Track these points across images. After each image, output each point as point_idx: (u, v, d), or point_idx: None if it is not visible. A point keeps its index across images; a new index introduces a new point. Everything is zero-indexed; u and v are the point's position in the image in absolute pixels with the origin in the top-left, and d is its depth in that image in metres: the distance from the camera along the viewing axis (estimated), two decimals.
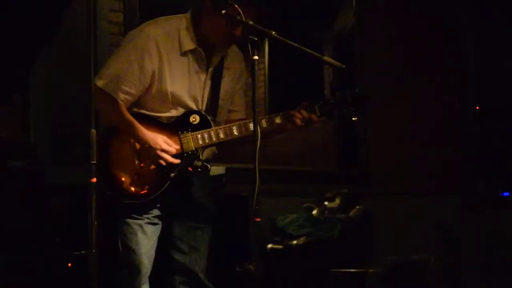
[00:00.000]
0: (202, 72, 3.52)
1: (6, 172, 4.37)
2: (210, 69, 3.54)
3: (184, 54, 3.48)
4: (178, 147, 3.45)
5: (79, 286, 3.74)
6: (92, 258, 2.91)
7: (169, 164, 3.41)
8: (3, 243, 4.10)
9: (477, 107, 6.15)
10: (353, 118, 3.61)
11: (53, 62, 4.92)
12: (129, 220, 3.48)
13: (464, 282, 5.75)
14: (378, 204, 5.76)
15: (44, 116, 4.93)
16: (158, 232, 3.55)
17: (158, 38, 3.44)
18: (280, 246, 5.26)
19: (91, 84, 3.12)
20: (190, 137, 3.47)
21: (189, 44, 3.47)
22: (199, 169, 3.50)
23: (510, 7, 5.90)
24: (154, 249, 3.54)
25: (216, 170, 4.28)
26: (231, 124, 3.51)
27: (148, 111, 3.49)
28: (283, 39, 3.16)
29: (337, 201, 5.64)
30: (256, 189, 2.99)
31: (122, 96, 3.42)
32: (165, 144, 3.41)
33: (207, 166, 3.52)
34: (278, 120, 3.53)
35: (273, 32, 3.12)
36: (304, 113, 3.53)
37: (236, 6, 3.22)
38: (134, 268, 3.46)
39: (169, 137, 3.45)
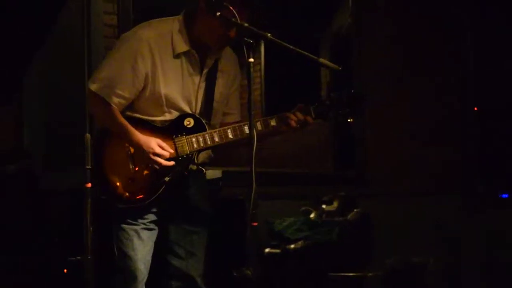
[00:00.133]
0: (195, 74, 3.50)
1: None
2: (204, 71, 3.51)
3: (177, 56, 3.45)
4: (172, 150, 3.42)
5: None
6: (88, 264, 2.88)
7: (163, 167, 3.39)
8: None
9: (476, 108, 6.13)
10: (349, 120, 3.58)
11: (47, 65, 4.91)
12: (124, 226, 3.46)
13: (464, 283, 5.74)
14: (376, 206, 5.74)
15: (38, 120, 4.92)
16: (154, 238, 3.53)
17: (150, 41, 3.41)
18: (277, 250, 5.23)
19: (85, 88, 3.09)
20: (185, 140, 3.44)
21: (182, 46, 3.45)
22: (194, 173, 3.48)
23: (510, 7, 5.89)
24: (151, 254, 3.51)
25: (212, 173, 4.26)
26: (226, 127, 3.48)
27: (142, 115, 3.47)
28: (279, 41, 3.14)
29: (335, 204, 5.62)
30: (253, 193, 2.97)
31: (115, 99, 3.39)
32: (158, 148, 3.38)
33: (203, 170, 3.50)
34: (273, 123, 3.51)
35: (269, 34, 3.10)
36: (299, 115, 3.50)
37: (231, 8, 3.19)
38: (130, 274, 3.43)
39: (163, 141, 3.42)
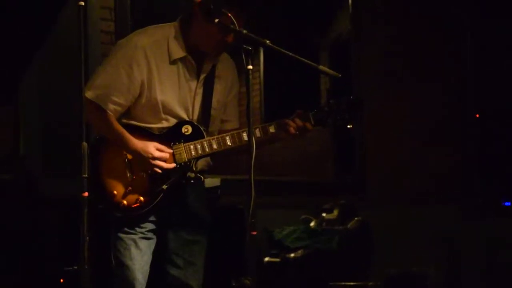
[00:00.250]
0: (192, 81, 3.47)
1: None
2: (201, 78, 3.49)
3: (173, 62, 3.43)
4: (170, 150, 3.40)
5: None
6: (84, 273, 2.83)
7: (164, 170, 3.36)
8: None
9: (477, 115, 6.12)
10: (348, 126, 3.56)
11: (43, 72, 4.89)
12: (122, 235, 3.42)
13: None
14: (376, 213, 5.72)
15: (34, 128, 4.89)
16: (152, 247, 3.49)
17: (146, 47, 3.39)
18: (277, 259, 5.21)
19: (82, 95, 3.05)
20: (183, 148, 3.42)
21: (178, 52, 3.42)
22: (193, 181, 3.45)
23: (510, 7, 5.87)
24: (149, 264, 3.48)
25: (211, 182, 4.24)
26: (224, 134, 3.46)
27: (139, 122, 3.45)
28: (278, 48, 3.11)
29: (335, 212, 5.60)
30: (252, 202, 2.94)
31: (111, 106, 3.37)
32: (157, 152, 3.36)
33: (201, 177, 3.47)
34: (272, 129, 3.48)
35: (267, 41, 3.07)
36: (298, 121, 3.47)
37: (230, 15, 3.16)
38: (127, 284, 3.40)
39: None
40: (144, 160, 3.35)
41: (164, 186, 3.38)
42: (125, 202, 3.38)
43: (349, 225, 5.51)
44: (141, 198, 3.39)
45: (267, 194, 4.33)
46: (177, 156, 3.40)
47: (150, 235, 3.46)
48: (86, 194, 2.83)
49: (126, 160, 3.40)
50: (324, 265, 5.22)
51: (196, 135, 3.43)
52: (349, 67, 6.57)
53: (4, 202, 4.31)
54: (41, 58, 4.82)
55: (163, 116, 3.43)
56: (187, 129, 3.43)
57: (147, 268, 3.46)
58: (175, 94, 3.43)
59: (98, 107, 3.35)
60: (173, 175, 3.39)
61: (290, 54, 3.16)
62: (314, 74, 7.05)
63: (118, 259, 3.42)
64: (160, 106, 3.40)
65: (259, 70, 7.24)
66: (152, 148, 3.36)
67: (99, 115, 3.36)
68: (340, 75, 3.29)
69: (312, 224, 5.58)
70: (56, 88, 4.78)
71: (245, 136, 3.40)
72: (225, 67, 3.60)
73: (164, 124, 3.44)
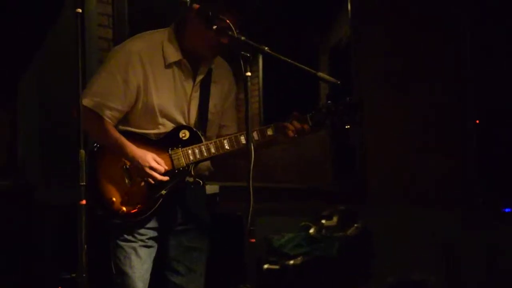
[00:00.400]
0: (188, 84, 3.47)
1: None
2: (197, 81, 3.49)
3: (168, 66, 3.44)
4: (167, 167, 3.39)
5: None
6: (82, 282, 2.82)
7: (158, 182, 3.35)
8: None
9: (477, 121, 6.10)
10: (346, 127, 3.54)
11: (42, 79, 4.89)
12: (122, 243, 3.42)
13: None
14: (376, 219, 5.70)
15: (32, 135, 4.89)
16: (153, 255, 3.49)
17: (141, 52, 3.40)
18: (276, 266, 5.19)
19: (80, 103, 3.04)
20: (181, 153, 3.41)
21: (173, 56, 3.43)
22: (192, 186, 3.45)
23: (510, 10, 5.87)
24: (149, 272, 3.47)
25: (210, 189, 4.23)
26: (222, 138, 3.46)
27: (136, 128, 3.45)
28: (277, 54, 3.10)
29: (335, 219, 5.58)
30: (251, 209, 2.93)
31: (108, 113, 3.37)
32: (154, 162, 3.35)
33: (200, 182, 3.47)
34: (269, 132, 3.48)
35: (266, 48, 3.06)
36: (296, 124, 3.46)
37: (228, 21, 3.14)
38: None
39: (158, 154, 3.39)
40: (139, 168, 3.34)
41: (163, 192, 3.38)
42: (124, 208, 3.37)
43: (348, 232, 5.49)
44: (140, 204, 3.38)
45: (266, 201, 4.32)
46: (175, 161, 3.40)
47: (150, 243, 3.46)
48: (84, 202, 2.82)
49: (125, 166, 3.39)
50: (323, 272, 5.20)
51: (193, 140, 3.43)
52: (349, 71, 6.57)
53: (2, 209, 4.31)
54: (39, 65, 4.83)
55: (160, 120, 3.42)
56: (184, 134, 3.43)
57: (147, 276, 3.45)
58: (171, 98, 3.43)
59: (95, 114, 3.35)
60: (171, 180, 3.39)
61: (289, 60, 3.15)
62: (313, 79, 7.05)
63: (118, 267, 3.42)
64: (157, 110, 3.40)
65: (258, 76, 7.24)
66: (150, 157, 3.35)
67: (97, 122, 3.35)
68: (339, 82, 3.29)
69: (311, 231, 5.56)
70: (54, 95, 4.78)
71: (243, 139, 3.40)
72: (221, 72, 3.61)
73: (161, 129, 3.44)
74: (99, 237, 3.31)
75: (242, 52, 3.01)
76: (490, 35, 6.09)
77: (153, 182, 3.35)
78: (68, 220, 3.62)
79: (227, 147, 3.43)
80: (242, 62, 3.00)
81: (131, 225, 3.40)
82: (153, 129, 3.44)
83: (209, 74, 3.54)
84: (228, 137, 3.46)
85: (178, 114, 3.45)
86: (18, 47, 4.74)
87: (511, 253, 5.59)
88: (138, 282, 3.40)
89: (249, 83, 3.01)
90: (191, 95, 3.47)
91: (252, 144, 2.97)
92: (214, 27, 3.21)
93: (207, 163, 3.56)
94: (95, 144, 3.46)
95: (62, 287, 4.18)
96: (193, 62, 3.47)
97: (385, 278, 5.35)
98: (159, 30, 3.52)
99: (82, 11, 2.78)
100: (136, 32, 3.63)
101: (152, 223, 3.45)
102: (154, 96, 3.39)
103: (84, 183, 2.85)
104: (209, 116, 3.53)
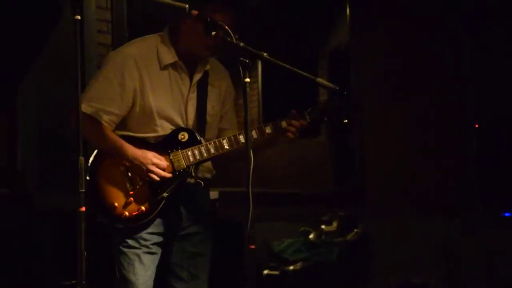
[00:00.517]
0: (184, 86, 3.49)
1: None
2: (194, 82, 3.51)
3: (164, 68, 3.46)
4: (168, 163, 3.40)
5: None
6: None
7: (162, 178, 3.36)
8: None
9: (477, 125, 6.10)
10: (344, 121, 3.55)
11: (41, 86, 4.88)
12: (126, 250, 3.42)
13: None
14: (376, 224, 5.70)
15: (31, 142, 4.88)
16: (156, 262, 3.48)
17: (136, 56, 3.42)
18: (276, 272, 5.19)
19: (79, 109, 3.04)
20: (180, 155, 3.42)
21: (168, 58, 3.46)
22: (193, 187, 3.45)
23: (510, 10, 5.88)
24: (152, 279, 3.47)
25: (210, 195, 4.21)
26: (221, 138, 3.47)
27: (135, 132, 3.45)
28: (275, 60, 3.11)
29: (334, 224, 5.57)
30: (250, 214, 2.93)
31: (106, 117, 3.38)
32: (155, 159, 3.36)
33: (201, 183, 3.47)
34: (268, 130, 3.50)
35: (265, 54, 3.07)
36: (294, 120, 3.48)
37: (226, 27, 3.15)
38: None
39: None
40: (142, 167, 3.35)
41: (165, 194, 3.39)
42: (126, 213, 3.38)
43: (348, 237, 5.49)
44: (143, 207, 3.39)
45: (265, 206, 4.31)
46: (175, 164, 3.41)
47: (155, 249, 3.46)
48: (83, 208, 2.81)
49: (124, 170, 3.39)
50: (323, 277, 5.20)
51: (193, 141, 3.44)
52: (349, 75, 6.56)
53: (1, 216, 4.30)
54: (39, 71, 4.82)
55: (158, 122, 3.43)
56: (183, 136, 3.44)
57: (150, 283, 3.45)
58: (168, 99, 3.45)
59: (93, 119, 3.35)
60: (173, 182, 3.40)
61: (288, 66, 3.17)
62: (313, 84, 7.04)
63: (121, 274, 3.41)
64: (155, 112, 3.42)
65: (257, 82, 7.24)
66: (151, 155, 3.36)
67: (95, 127, 3.36)
68: (337, 88, 3.30)
69: (311, 236, 5.55)
70: (54, 101, 4.77)
71: (242, 138, 3.42)
72: (218, 76, 3.63)
73: (160, 132, 3.44)
74: (100, 243, 3.30)
75: (241, 58, 3.02)
76: (490, 35, 6.10)
77: (156, 178, 3.35)
78: (68, 227, 3.63)
79: (226, 147, 3.44)
80: (241, 68, 3.01)
81: (135, 229, 3.40)
82: (152, 132, 3.44)
83: (205, 76, 3.55)
84: (227, 137, 3.47)
85: (176, 115, 3.46)
86: (18, 54, 4.73)
87: (511, 257, 5.58)
88: None
89: (248, 89, 3.02)
90: (188, 96, 3.49)
91: (251, 152, 2.97)
92: (213, 33, 3.21)
93: (209, 165, 3.58)
94: (94, 151, 3.45)
95: None
96: (188, 64, 3.49)
97: (385, 282, 5.34)
98: (153, 35, 3.55)
99: (81, 18, 2.77)
100: (135, 38, 3.65)
101: (156, 228, 3.45)
102: (151, 98, 3.41)
103: (84, 190, 2.84)
104: (208, 118, 3.54)
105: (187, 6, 3.11)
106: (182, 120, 3.47)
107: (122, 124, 3.45)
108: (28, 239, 4.36)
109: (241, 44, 3.10)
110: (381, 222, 5.79)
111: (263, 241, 5.32)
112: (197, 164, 3.45)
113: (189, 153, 3.42)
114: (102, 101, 3.37)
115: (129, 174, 3.40)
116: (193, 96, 3.50)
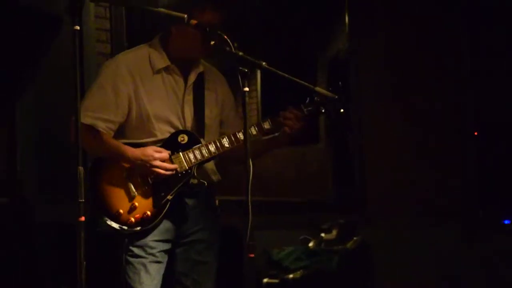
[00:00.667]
0: (179, 88, 3.52)
1: None
2: (188, 84, 3.53)
3: (157, 72, 3.49)
4: (168, 152, 3.42)
5: None
6: None
7: (167, 170, 3.37)
8: None
9: (476, 133, 6.09)
10: (341, 110, 3.55)
11: (40, 95, 4.89)
12: (132, 259, 3.43)
13: None
14: (376, 233, 5.68)
15: (30, 151, 4.88)
16: (162, 271, 3.50)
17: (128, 63, 3.47)
18: (276, 280, 5.15)
19: (78, 119, 3.04)
20: (182, 157, 3.44)
21: (160, 63, 3.49)
22: (196, 188, 3.47)
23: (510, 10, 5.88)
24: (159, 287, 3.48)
25: None
26: (221, 137, 3.50)
27: (134, 139, 3.47)
28: (274, 70, 3.12)
29: (334, 232, 5.55)
30: (249, 223, 2.94)
31: (103, 125, 3.41)
32: (156, 153, 3.38)
33: (204, 183, 3.49)
34: (266, 125, 3.53)
35: (264, 63, 3.08)
36: (291, 114, 3.51)
37: (225, 37, 3.16)
38: None
39: None
40: (144, 165, 3.37)
41: (169, 197, 3.41)
42: (132, 219, 3.39)
43: (348, 245, 5.46)
44: (148, 212, 3.40)
45: (265, 215, 4.30)
46: (177, 166, 3.42)
47: (161, 257, 3.47)
48: (82, 218, 2.81)
49: (127, 176, 3.41)
50: (323, 285, 5.16)
51: (193, 143, 3.47)
52: (348, 84, 6.55)
53: (0, 226, 4.30)
54: (38, 81, 4.82)
55: (156, 126, 3.46)
56: (183, 138, 3.47)
57: None
58: (163, 102, 3.48)
59: (91, 128, 3.38)
60: (176, 184, 3.42)
61: (287, 75, 3.19)
62: (312, 93, 7.02)
63: (127, 283, 3.43)
64: (152, 116, 3.45)
65: (256, 90, 7.24)
66: (151, 150, 3.39)
67: (92, 135, 3.39)
68: (336, 97, 3.31)
69: (311, 244, 5.53)
70: (53, 111, 4.78)
71: (241, 135, 3.44)
72: (214, 80, 3.67)
73: (158, 136, 3.47)
74: (101, 253, 3.30)
75: (240, 68, 3.03)
76: (490, 35, 6.09)
77: (162, 171, 3.36)
78: (67, 237, 3.63)
79: (226, 145, 3.47)
80: (240, 78, 3.03)
81: (141, 235, 3.41)
82: (150, 137, 3.47)
83: (201, 80, 3.58)
84: (227, 135, 3.49)
85: (173, 117, 3.49)
86: (17, 63, 4.74)
87: (511, 265, 5.57)
88: None
89: (247, 98, 3.03)
90: (183, 98, 3.51)
91: (250, 161, 2.98)
92: (212, 42, 3.22)
93: (212, 166, 3.61)
94: (93, 163, 3.47)
95: None
96: (182, 67, 3.53)
97: None
98: (144, 44, 3.59)
99: (80, 28, 2.78)
100: (134, 47, 3.68)
101: (162, 235, 3.47)
102: (146, 102, 3.44)
103: (83, 200, 2.84)
104: (206, 120, 3.57)
105: (186, 16, 3.12)
106: (180, 122, 3.50)
107: (120, 133, 3.47)
108: (27, 249, 4.36)
109: (240, 53, 3.11)
110: (381, 230, 5.78)
111: (262, 249, 5.30)
112: (199, 164, 3.47)
113: (190, 154, 3.44)
114: (98, 109, 3.40)
115: (132, 178, 3.41)
116: (189, 98, 3.53)
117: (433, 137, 6.21)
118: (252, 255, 2.98)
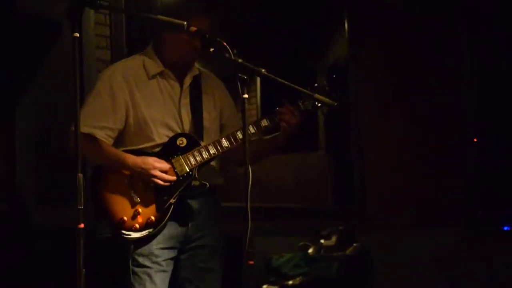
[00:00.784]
0: (175, 92, 3.54)
1: None
2: (184, 88, 3.55)
3: (152, 78, 3.51)
4: (172, 173, 3.42)
5: None
6: None
7: (166, 181, 3.38)
8: None
9: (475, 139, 6.10)
10: (335, 104, 3.56)
11: (40, 102, 4.88)
12: (136, 269, 3.44)
13: None
14: (375, 239, 5.68)
15: (30, 157, 4.87)
16: (168, 279, 3.50)
17: (123, 70, 3.50)
18: (275, 287, 5.15)
19: (78, 127, 3.04)
20: (182, 160, 3.45)
21: (154, 68, 3.52)
22: (198, 189, 3.48)
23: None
24: None
25: None
26: (220, 137, 3.51)
27: (133, 146, 3.48)
28: (274, 76, 3.13)
29: (333, 238, 5.54)
30: (248, 231, 2.93)
31: (101, 133, 3.42)
32: (157, 163, 3.39)
33: (206, 184, 3.49)
34: (264, 123, 3.56)
35: (263, 70, 3.08)
36: (287, 110, 3.54)
37: (225, 43, 3.16)
38: None
39: None
40: (144, 174, 3.37)
41: (172, 200, 3.42)
42: (137, 225, 3.39)
43: (347, 251, 5.46)
44: (152, 217, 3.41)
45: (264, 221, 4.30)
46: (178, 169, 3.44)
47: (166, 266, 3.48)
48: (82, 225, 2.81)
49: (128, 183, 3.42)
50: None
51: (192, 145, 3.48)
52: (347, 91, 6.56)
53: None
54: (37, 87, 4.82)
55: (154, 131, 3.47)
56: (182, 141, 3.48)
57: None
58: (160, 106, 3.49)
59: (89, 137, 3.38)
60: (178, 187, 3.43)
61: (286, 82, 3.19)
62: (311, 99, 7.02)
63: None
64: (149, 121, 3.46)
65: (256, 96, 7.25)
66: (152, 160, 3.39)
67: (92, 144, 3.39)
68: (336, 104, 3.31)
69: (310, 250, 5.52)
70: (52, 117, 4.78)
71: (239, 134, 3.46)
72: (211, 85, 3.69)
73: (157, 140, 3.48)
74: (102, 261, 3.30)
75: (239, 74, 3.03)
76: (490, 35, 6.10)
77: (160, 182, 3.37)
78: (65, 244, 3.63)
79: (225, 145, 3.48)
80: (239, 84, 3.03)
81: (145, 240, 3.41)
82: (149, 142, 3.47)
83: (197, 83, 3.60)
84: (225, 135, 3.51)
85: (170, 120, 3.50)
86: (17, 70, 4.73)
87: (511, 271, 5.57)
88: None
89: (246, 104, 3.03)
90: (179, 102, 3.53)
91: (250, 170, 2.98)
92: (211, 49, 3.23)
93: (213, 168, 3.62)
94: (93, 172, 3.48)
95: None
96: (176, 72, 3.55)
97: None
98: (138, 53, 3.62)
99: (79, 35, 2.78)
100: (134, 53, 3.70)
101: (167, 242, 3.47)
102: (143, 107, 3.45)
103: (82, 207, 2.84)
104: (205, 123, 3.58)
105: (185, 23, 3.12)
106: (177, 125, 3.51)
107: (119, 141, 3.48)
108: (26, 253, 4.35)
109: (239, 60, 3.11)
110: (380, 236, 5.78)
111: (262, 256, 5.30)
112: (200, 166, 3.48)
113: (190, 157, 3.46)
114: (95, 117, 3.41)
115: (133, 184, 3.42)
116: (186, 102, 3.55)
117: (433, 138, 6.22)
118: (252, 262, 2.96)
